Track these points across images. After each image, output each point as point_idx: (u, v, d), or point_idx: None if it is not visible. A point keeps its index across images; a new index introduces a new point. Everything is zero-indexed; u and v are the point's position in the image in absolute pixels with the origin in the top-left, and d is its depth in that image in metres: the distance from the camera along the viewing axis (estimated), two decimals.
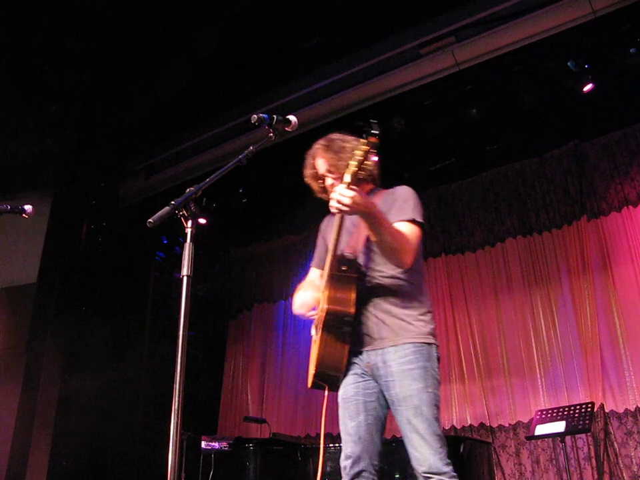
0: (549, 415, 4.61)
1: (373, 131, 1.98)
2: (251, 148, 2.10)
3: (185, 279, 1.73)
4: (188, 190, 1.80)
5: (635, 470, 4.97)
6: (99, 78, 5.29)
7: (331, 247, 2.35)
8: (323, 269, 2.49)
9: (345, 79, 5.29)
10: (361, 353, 2.35)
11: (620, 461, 5.06)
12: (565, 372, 5.55)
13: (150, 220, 1.70)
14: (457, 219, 6.62)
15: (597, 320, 5.47)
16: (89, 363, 5.69)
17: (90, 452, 5.69)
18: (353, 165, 2.05)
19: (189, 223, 1.78)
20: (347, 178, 2.07)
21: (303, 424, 6.78)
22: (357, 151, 2.04)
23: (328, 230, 2.60)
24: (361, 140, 2.02)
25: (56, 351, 5.65)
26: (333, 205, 2.09)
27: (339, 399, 2.39)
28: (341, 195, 2.06)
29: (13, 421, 5.28)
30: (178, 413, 1.60)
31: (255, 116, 2.16)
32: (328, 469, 4.40)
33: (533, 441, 5.26)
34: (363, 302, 2.33)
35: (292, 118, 2.29)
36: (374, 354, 2.32)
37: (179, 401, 1.61)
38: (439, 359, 2.36)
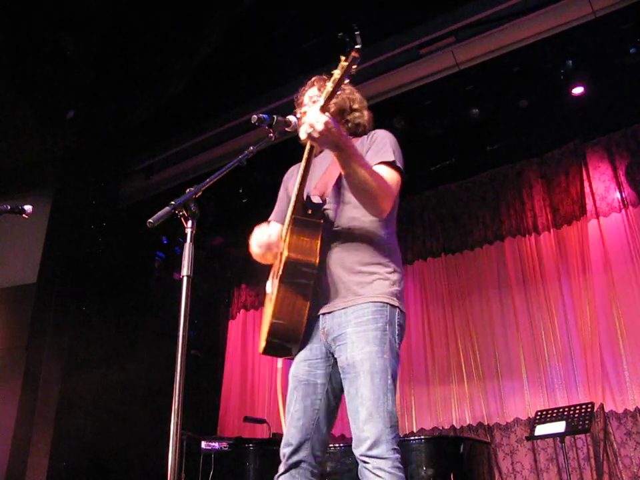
0: (548, 415, 4.61)
1: (355, 45, 1.75)
2: (251, 148, 2.10)
3: (184, 278, 1.73)
4: (188, 190, 1.81)
5: (635, 470, 4.97)
6: (99, 78, 5.29)
7: (296, 185, 2.06)
8: (281, 222, 2.25)
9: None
10: (317, 318, 2.07)
11: (619, 461, 5.06)
12: (565, 372, 5.55)
13: (150, 220, 1.70)
14: (456, 219, 6.61)
15: (597, 320, 5.47)
16: (89, 363, 5.69)
17: (90, 452, 5.69)
18: (329, 85, 1.85)
19: (189, 223, 1.78)
20: (321, 100, 1.87)
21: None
22: (336, 70, 1.81)
23: (291, 180, 2.34)
24: (341, 57, 1.78)
25: (56, 351, 5.65)
26: (303, 129, 1.85)
27: (290, 374, 2.11)
28: (313, 118, 1.82)
29: (13, 421, 5.28)
30: (178, 413, 1.60)
31: (255, 116, 2.15)
32: (328, 469, 4.40)
33: (532, 441, 5.26)
34: (324, 255, 2.05)
35: (292, 118, 2.29)
36: (330, 317, 2.05)
37: (178, 401, 1.61)
38: (402, 327, 2.05)
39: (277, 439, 5.15)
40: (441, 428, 5.96)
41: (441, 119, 5.62)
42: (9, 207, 2.99)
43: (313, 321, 2.07)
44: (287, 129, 2.29)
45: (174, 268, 7.19)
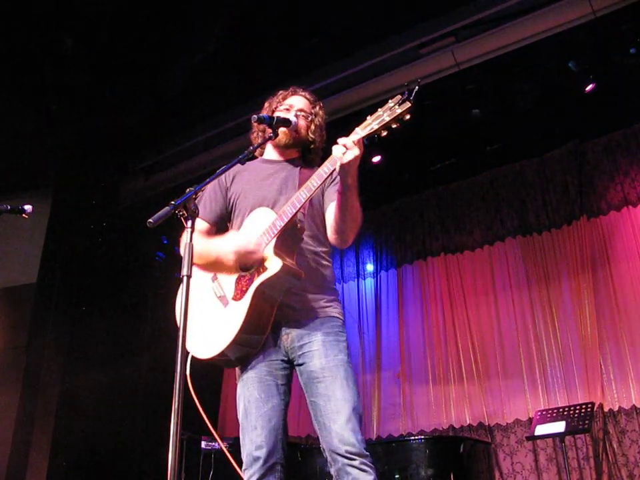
0: (548, 415, 4.61)
1: (411, 98, 1.88)
2: (251, 148, 2.10)
3: (184, 278, 1.73)
4: (188, 190, 1.81)
5: (631, 469, 4.97)
6: (99, 78, 5.29)
7: (303, 197, 2.05)
8: (211, 223, 2.28)
9: (345, 78, 5.29)
10: (279, 325, 2.14)
11: (619, 461, 5.06)
12: (564, 372, 5.55)
13: (150, 220, 1.70)
14: (456, 219, 6.61)
15: (597, 320, 5.47)
16: (89, 363, 5.69)
17: (90, 452, 5.69)
18: (375, 123, 1.96)
19: (189, 223, 1.78)
20: (363, 132, 1.96)
21: (303, 424, 6.78)
22: (386, 112, 1.92)
23: (238, 180, 2.34)
24: (392, 102, 1.91)
25: (56, 351, 5.65)
26: (338, 149, 1.93)
27: (246, 376, 2.15)
28: (354, 144, 1.92)
29: (13, 421, 5.28)
30: (178, 413, 1.60)
31: (255, 116, 2.16)
32: (328, 469, 4.40)
33: (532, 440, 5.26)
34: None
35: (292, 118, 2.30)
36: (296, 326, 2.13)
37: (178, 401, 1.61)
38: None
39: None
40: (440, 428, 5.97)
41: (441, 118, 5.61)
42: (8, 207, 2.99)
43: (273, 327, 2.14)
44: (286, 129, 2.30)
45: (174, 268, 7.18)
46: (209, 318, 2.17)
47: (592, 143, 6.02)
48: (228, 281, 2.16)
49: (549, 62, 5.10)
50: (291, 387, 2.18)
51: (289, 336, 2.14)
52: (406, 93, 1.90)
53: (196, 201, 1.77)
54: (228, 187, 2.35)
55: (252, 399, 2.11)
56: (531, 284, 5.98)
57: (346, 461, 1.95)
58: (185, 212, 1.78)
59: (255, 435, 2.07)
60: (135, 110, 5.76)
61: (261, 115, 2.18)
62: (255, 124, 2.35)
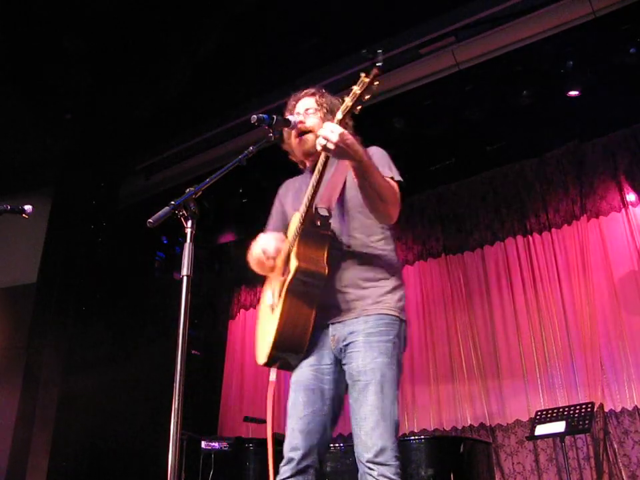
0: (549, 415, 4.61)
1: (377, 63, 1.78)
2: (251, 148, 2.10)
3: (184, 278, 1.73)
4: (188, 190, 1.81)
5: (633, 469, 4.97)
6: (99, 78, 5.29)
7: (307, 195, 2.06)
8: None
9: (344, 78, 5.29)
10: (326, 326, 2.11)
11: (619, 461, 5.06)
12: (565, 372, 5.55)
13: (150, 220, 1.70)
14: (456, 219, 6.61)
15: (597, 320, 5.47)
16: (88, 363, 5.69)
17: (90, 452, 5.69)
18: (348, 100, 1.86)
19: (189, 223, 1.78)
20: (339, 115, 1.90)
21: None
22: (357, 86, 1.82)
23: (288, 195, 2.39)
24: (361, 73, 1.81)
25: (56, 351, 5.65)
26: (320, 142, 1.88)
27: (294, 379, 2.15)
28: (328, 130, 1.85)
29: (13, 421, 5.28)
30: (178, 413, 1.60)
31: (255, 116, 2.15)
32: (328, 469, 4.40)
33: (532, 440, 5.26)
34: (335, 267, 2.08)
35: (292, 118, 2.29)
36: (341, 325, 2.08)
37: (179, 401, 1.61)
38: (406, 340, 2.14)
39: (277, 438, 5.15)
40: (442, 429, 5.96)
41: (441, 118, 5.61)
42: (8, 207, 2.99)
43: (320, 329, 2.10)
44: (286, 128, 2.30)
45: (174, 268, 7.19)
46: (263, 325, 2.22)
47: (592, 143, 6.02)
48: (274, 288, 2.19)
49: (549, 62, 5.10)
50: (342, 389, 2.10)
51: (335, 337, 2.09)
52: (369, 58, 1.81)
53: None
54: (283, 201, 2.43)
55: (295, 403, 2.12)
56: (531, 284, 5.98)
57: (366, 469, 1.91)
58: (185, 212, 1.78)
59: (292, 436, 2.10)
60: (135, 110, 5.76)
61: (260, 115, 2.17)
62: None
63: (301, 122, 2.26)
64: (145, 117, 5.85)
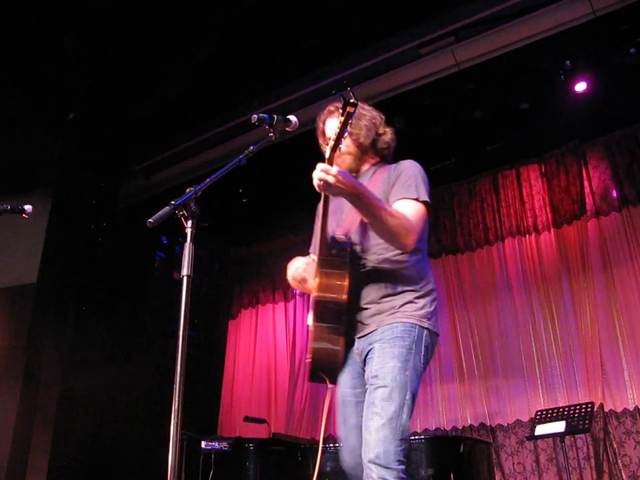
0: (549, 415, 4.61)
1: (350, 100, 1.87)
2: (251, 148, 2.10)
3: (184, 278, 1.73)
4: (188, 190, 1.81)
5: (634, 470, 4.97)
6: (99, 78, 5.29)
7: (318, 228, 2.16)
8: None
9: (345, 78, 5.29)
10: (354, 341, 2.20)
11: (619, 461, 5.06)
12: (565, 372, 5.56)
13: (150, 220, 1.70)
14: (456, 219, 6.61)
15: (597, 320, 5.47)
16: (89, 363, 5.68)
17: (90, 452, 5.68)
18: (331, 140, 1.96)
19: (189, 223, 1.78)
20: (328, 153, 1.98)
21: (303, 424, 6.78)
22: (335, 126, 1.94)
23: (335, 215, 2.40)
24: (339, 111, 1.92)
25: (56, 351, 5.65)
26: (317, 184, 1.96)
27: (337, 395, 2.25)
28: (322, 172, 1.93)
29: (13, 421, 5.27)
30: (178, 413, 1.60)
31: (255, 116, 2.16)
32: (328, 469, 4.40)
33: (532, 440, 5.26)
34: (358, 287, 2.17)
35: (292, 118, 2.29)
36: (364, 340, 2.17)
37: (179, 401, 1.61)
38: (429, 348, 2.14)
39: (277, 438, 5.16)
40: (442, 429, 5.97)
41: (441, 118, 5.61)
42: (8, 207, 2.99)
43: (350, 346, 2.21)
44: (287, 128, 2.29)
45: (174, 268, 7.18)
46: (309, 343, 2.30)
47: (592, 143, 6.02)
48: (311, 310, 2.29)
49: (549, 62, 5.10)
50: None
51: (358, 350, 2.19)
52: (342, 98, 1.91)
53: None
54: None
55: (338, 418, 2.24)
56: (531, 284, 5.98)
57: (367, 470, 1.94)
58: (185, 212, 1.78)
59: (341, 449, 2.23)
60: (135, 110, 5.76)
61: (260, 115, 2.17)
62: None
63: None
64: (145, 117, 5.85)
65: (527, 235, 6.16)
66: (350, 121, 1.93)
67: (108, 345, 5.99)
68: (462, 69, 5.00)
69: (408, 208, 2.15)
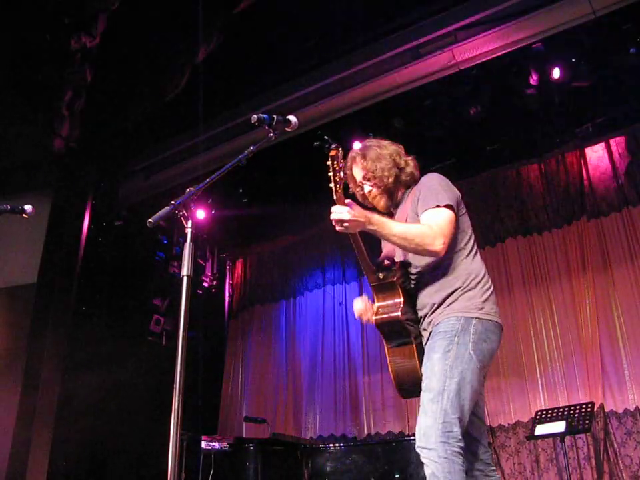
0: (549, 415, 4.61)
1: (329, 147, 2.08)
2: (251, 148, 2.11)
3: (184, 278, 1.73)
4: (188, 190, 1.81)
5: (635, 470, 4.97)
6: (99, 78, 5.29)
7: (361, 261, 2.34)
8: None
9: (344, 78, 5.29)
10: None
11: (619, 461, 5.06)
12: (565, 372, 5.55)
13: (150, 220, 1.71)
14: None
15: (597, 320, 5.47)
16: (89, 363, 5.68)
17: (90, 452, 5.68)
18: (331, 185, 2.13)
19: (189, 223, 1.78)
20: (335, 196, 2.14)
21: (303, 424, 6.78)
22: (328, 172, 2.12)
23: (382, 241, 2.56)
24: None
25: (56, 351, 5.64)
26: (337, 227, 2.15)
27: None
28: (337, 214, 2.12)
29: (13, 421, 5.27)
30: (178, 413, 1.60)
31: (255, 116, 2.16)
32: (328, 469, 4.41)
33: (532, 440, 5.26)
34: (413, 301, 2.36)
35: (292, 118, 2.29)
36: (426, 346, 2.33)
37: (179, 401, 1.61)
38: (481, 332, 2.21)
39: (276, 438, 5.15)
40: None
41: (441, 118, 5.61)
42: (8, 207, 2.99)
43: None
44: (286, 128, 2.30)
45: (174, 268, 7.18)
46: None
47: (592, 142, 6.02)
48: None
49: (549, 62, 5.10)
50: None
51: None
52: (324, 145, 2.15)
53: None
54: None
55: None
56: (531, 284, 5.98)
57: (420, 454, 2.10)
58: (185, 212, 1.78)
59: None
60: (135, 110, 5.76)
61: (260, 115, 2.18)
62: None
63: (369, 193, 2.50)
64: (145, 117, 5.84)
65: (527, 235, 6.16)
66: (340, 165, 2.14)
67: (108, 345, 5.99)
68: (462, 69, 5.00)
69: (430, 217, 2.27)
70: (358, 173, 2.49)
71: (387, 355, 2.35)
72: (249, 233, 7.67)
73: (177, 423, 1.59)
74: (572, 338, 5.59)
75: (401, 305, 2.29)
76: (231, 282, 8.16)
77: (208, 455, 4.55)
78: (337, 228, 2.15)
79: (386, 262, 2.42)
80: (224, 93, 5.67)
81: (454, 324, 2.21)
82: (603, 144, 5.97)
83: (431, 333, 2.28)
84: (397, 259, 2.42)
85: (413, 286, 2.38)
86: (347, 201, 2.16)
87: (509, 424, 5.70)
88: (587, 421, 4.32)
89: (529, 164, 6.32)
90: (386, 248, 2.50)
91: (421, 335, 2.35)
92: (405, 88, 5.22)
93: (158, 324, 6.80)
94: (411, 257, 2.37)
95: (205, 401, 7.16)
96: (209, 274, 7.73)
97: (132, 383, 6.07)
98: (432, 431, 2.05)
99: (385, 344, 2.35)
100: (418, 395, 2.28)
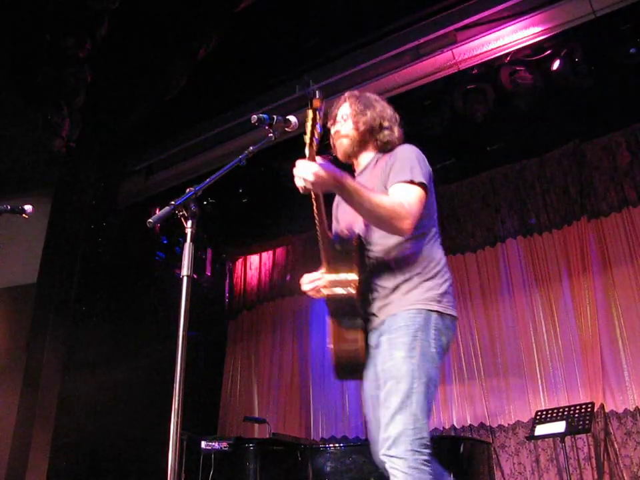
0: (549, 415, 4.61)
1: (315, 97, 1.89)
2: (251, 148, 2.11)
3: (184, 278, 1.73)
4: (188, 190, 1.81)
5: (635, 470, 4.97)
6: (99, 78, 5.28)
7: (319, 224, 2.13)
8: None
9: (345, 78, 5.29)
10: (371, 334, 2.20)
11: (620, 461, 5.06)
12: (565, 372, 5.55)
13: (150, 220, 1.71)
14: (457, 220, 6.61)
15: (597, 320, 5.47)
16: (89, 363, 5.68)
17: (90, 452, 5.68)
18: (306, 137, 1.94)
19: (189, 223, 1.78)
20: (306, 151, 1.97)
21: (303, 424, 6.78)
22: (306, 122, 1.93)
23: (339, 209, 2.43)
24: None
25: (56, 351, 5.64)
26: (299, 183, 1.95)
27: (363, 392, 2.29)
28: (302, 170, 1.92)
29: (13, 421, 5.27)
30: (178, 412, 1.60)
31: (255, 116, 2.16)
32: (328, 469, 4.40)
33: (532, 441, 5.26)
34: (367, 279, 2.15)
35: (292, 118, 2.29)
36: (376, 332, 2.16)
37: (179, 401, 1.61)
38: (441, 330, 2.12)
39: (276, 438, 5.15)
40: (442, 428, 5.96)
41: (441, 119, 5.61)
42: (8, 207, 3.00)
43: (369, 339, 2.20)
44: (286, 128, 2.30)
45: (174, 268, 7.18)
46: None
47: (592, 142, 6.02)
48: None
49: (549, 62, 5.10)
50: None
51: (373, 343, 2.18)
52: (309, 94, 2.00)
53: None
54: (334, 212, 2.49)
55: (367, 414, 2.24)
56: (531, 284, 5.98)
57: (384, 463, 1.96)
58: (185, 212, 1.78)
59: (371, 444, 2.20)
60: (135, 110, 5.76)
61: (260, 115, 2.18)
62: None
63: (337, 132, 2.36)
64: (144, 117, 5.84)
65: (527, 235, 6.16)
66: (319, 115, 1.91)
67: (108, 345, 5.99)
68: (462, 69, 5.00)
69: (401, 192, 2.10)
70: (342, 111, 2.37)
71: (330, 331, 2.17)
72: (248, 233, 7.67)
73: (177, 422, 1.59)
74: (572, 338, 5.59)
75: (356, 282, 2.07)
76: (230, 282, 8.16)
77: (208, 455, 4.55)
78: (298, 185, 1.95)
79: (343, 232, 2.21)
80: (224, 93, 5.67)
81: (414, 317, 2.06)
82: (603, 143, 5.96)
83: (383, 321, 2.12)
84: (360, 231, 2.21)
85: (369, 263, 2.18)
86: (318, 159, 1.95)
87: (508, 424, 5.70)
88: (587, 421, 4.32)
89: (529, 164, 6.31)
90: (345, 219, 2.29)
91: (368, 319, 2.17)
92: (405, 88, 5.22)
93: (158, 323, 6.80)
94: (373, 233, 2.19)
95: (204, 401, 7.16)
96: (209, 274, 7.75)
97: (132, 383, 6.07)
98: (402, 438, 1.90)
99: (329, 319, 2.18)
100: (355, 379, 2.22)
